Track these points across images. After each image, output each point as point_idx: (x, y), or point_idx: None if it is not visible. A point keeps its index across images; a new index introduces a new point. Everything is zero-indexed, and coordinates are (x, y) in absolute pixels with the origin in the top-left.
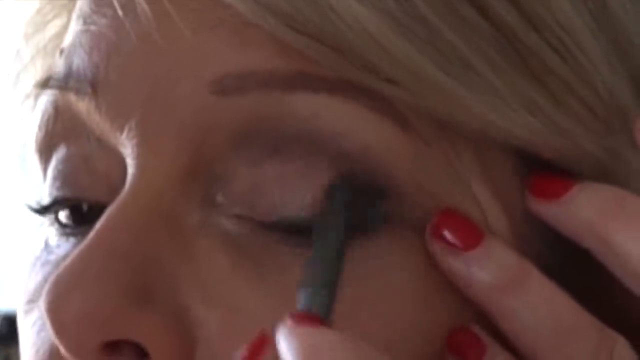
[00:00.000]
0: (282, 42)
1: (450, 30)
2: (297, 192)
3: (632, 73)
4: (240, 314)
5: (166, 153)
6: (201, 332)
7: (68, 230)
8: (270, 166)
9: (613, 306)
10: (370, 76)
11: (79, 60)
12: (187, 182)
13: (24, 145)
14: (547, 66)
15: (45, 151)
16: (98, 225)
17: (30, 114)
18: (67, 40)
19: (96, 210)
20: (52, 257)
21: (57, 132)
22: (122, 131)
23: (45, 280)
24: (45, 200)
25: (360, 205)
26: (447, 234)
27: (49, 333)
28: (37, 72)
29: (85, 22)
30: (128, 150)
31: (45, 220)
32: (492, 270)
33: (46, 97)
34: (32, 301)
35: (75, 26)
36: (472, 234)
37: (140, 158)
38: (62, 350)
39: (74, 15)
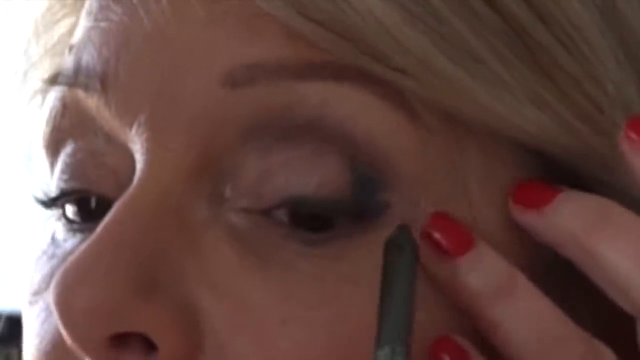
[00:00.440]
0: (291, 32)
1: (461, 22)
2: (303, 174)
3: (639, 71)
4: (247, 306)
5: (175, 148)
6: (208, 323)
7: (75, 226)
8: (278, 154)
9: (601, 317)
10: (380, 65)
11: (88, 57)
12: (196, 178)
13: (30, 143)
14: (556, 62)
15: (53, 147)
16: (106, 218)
17: (37, 111)
18: (77, 36)
19: (103, 206)
20: (59, 251)
21: (65, 128)
22: (131, 127)
23: (52, 273)
24: (53, 192)
25: (362, 193)
26: (437, 238)
27: (55, 324)
28: (45, 71)
29: (95, 19)
30: (137, 146)
31: (53, 215)
32: (480, 277)
33: (54, 94)
34: (37, 293)
35: (85, 22)
36: (463, 240)
37: (149, 154)
38: (69, 342)
39: (84, 12)
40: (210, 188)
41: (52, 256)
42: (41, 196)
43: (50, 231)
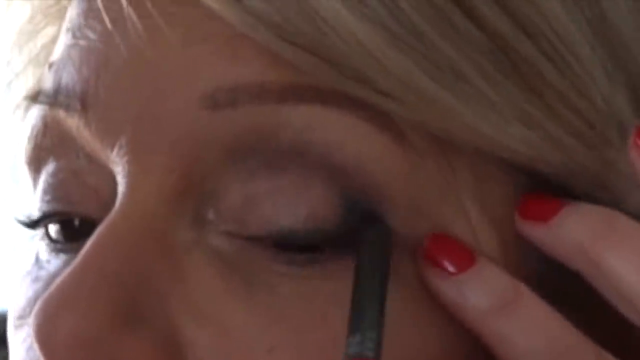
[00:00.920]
0: (274, 54)
1: (443, 41)
2: (290, 205)
3: (629, 82)
4: (230, 333)
5: (157, 171)
6: (192, 352)
7: (59, 246)
8: (263, 180)
9: (609, 328)
10: (364, 88)
11: (68, 76)
12: (179, 201)
13: (14, 154)
14: (543, 77)
15: (35, 164)
16: (88, 245)
17: (20, 125)
18: (56, 53)
19: (87, 225)
20: (43, 273)
21: (46, 147)
22: (112, 149)
23: (36, 297)
24: (35, 214)
25: (352, 220)
26: (439, 257)
27: (39, 353)
28: (28, 81)
29: (74, 36)
30: (119, 168)
31: (37, 234)
32: (484, 293)
33: (36, 111)
34: (22, 317)
35: (64, 39)
36: (464, 257)
37: (130, 177)
38: None
39: (64, 28)
40: (193, 210)
41: (36, 279)
42: (24, 218)
43: (34, 251)
